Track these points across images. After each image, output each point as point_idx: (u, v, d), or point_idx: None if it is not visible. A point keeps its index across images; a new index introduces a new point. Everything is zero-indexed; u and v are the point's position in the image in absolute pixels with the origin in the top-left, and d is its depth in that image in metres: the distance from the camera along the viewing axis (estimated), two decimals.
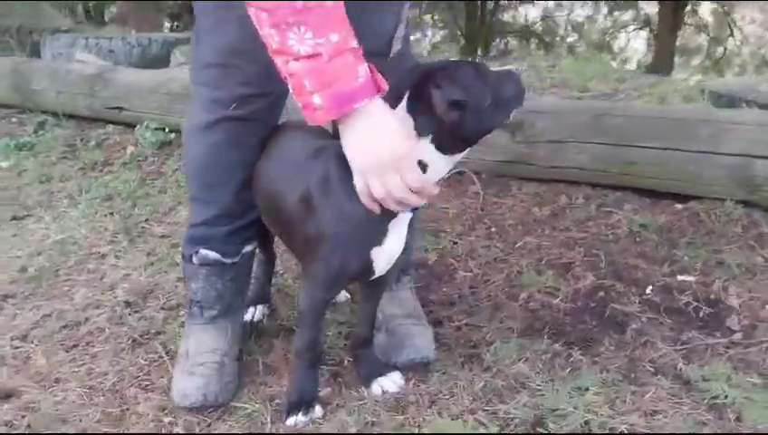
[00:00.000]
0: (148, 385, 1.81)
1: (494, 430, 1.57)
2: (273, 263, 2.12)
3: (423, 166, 1.43)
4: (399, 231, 1.56)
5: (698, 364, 1.79)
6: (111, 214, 2.92)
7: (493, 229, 2.58)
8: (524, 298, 2.16)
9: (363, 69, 1.37)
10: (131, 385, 1.81)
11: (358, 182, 1.46)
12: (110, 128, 3.93)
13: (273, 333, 2.00)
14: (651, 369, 1.80)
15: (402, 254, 1.63)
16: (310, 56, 1.32)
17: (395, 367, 1.77)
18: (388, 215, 1.49)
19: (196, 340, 1.80)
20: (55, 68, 4.06)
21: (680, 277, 2.23)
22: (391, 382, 1.73)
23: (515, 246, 2.46)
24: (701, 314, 2.05)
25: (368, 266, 1.57)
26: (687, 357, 1.85)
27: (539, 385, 1.73)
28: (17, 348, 1.99)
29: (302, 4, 1.29)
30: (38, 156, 3.62)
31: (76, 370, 1.89)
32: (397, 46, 1.73)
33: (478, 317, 2.06)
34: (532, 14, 18.11)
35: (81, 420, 1.68)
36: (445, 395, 1.72)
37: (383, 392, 1.71)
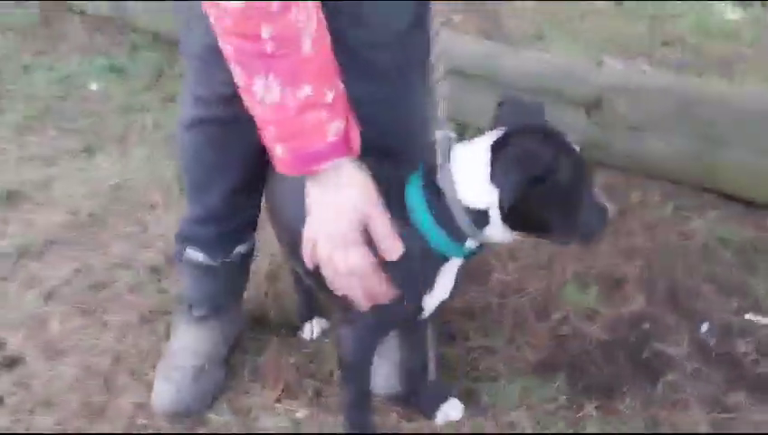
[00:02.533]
0: (139, 374, 1.73)
1: None
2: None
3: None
4: (450, 277, 1.33)
5: None
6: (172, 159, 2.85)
7: None
8: (556, 320, 1.87)
9: (336, 126, 1.14)
10: (125, 371, 1.74)
11: (305, 242, 1.23)
12: None
13: (274, 325, 1.87)
14: None
15: None
16: (275, 106, 1.11)
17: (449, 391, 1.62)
18: (439, 261, 1.27)
19: (181, 339, 1.69)
20: None
21: (747, 316, 1.85)
22: (457, 409, 1.59)
23: (565, 250, 2.13)
24: (759, 370, 1.69)
25: (418, 313, 1.36)
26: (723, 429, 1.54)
27: None
28: (39, 308, 1.98)
29: (272, 46, 1.05)
30: (127, 81, 3.57)
31: (82, 342, 1.85)
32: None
33: (495, 339, 1.81)
34: None
35: (62, 407, 1.65)
36: None
37: (448, 420, 1.57)
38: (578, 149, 1.20)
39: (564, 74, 2.42)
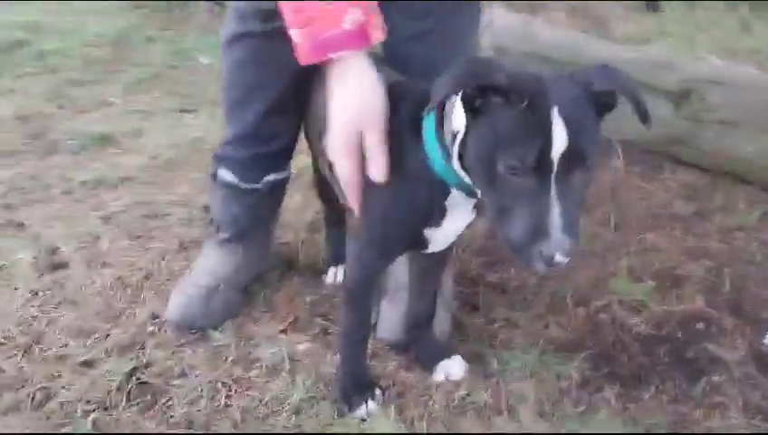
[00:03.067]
0: (163, 291, 1.75)
1: None
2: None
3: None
4: (463, 211, 1.26)
5: None
6: None
7: (613, 217, 2.09)
8: (597, 306, 1.71)
9: (354, 15, 1.13)
10: (151, 287, 1.78)
11: (330, 132, 1.21)
12: None
13: (302, 268, 1.84)
14: None
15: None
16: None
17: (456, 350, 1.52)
18: (443, 194, 1.21)
19: (203, 258, 1.71)
20: None
21: None
22: (458, 367, 1.48)
23: (627, 242, 1.96)
24: None
25: (419, 242, 1.30)
26: None
27: (531, 416, 1.35)
28: (97, 227, 2.07)
29: None
30: None
31: (122, 260, 1.91)
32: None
33: (524, 314, 1.68)
34: None
35: (86, 307, 1.70)
36: (417, 391, 1.43)
37: (448, 379, 1.46)
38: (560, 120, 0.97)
39: (655, 65, 2.25)
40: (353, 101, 1.15)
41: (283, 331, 1.61)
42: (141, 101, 3.17)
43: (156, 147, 2.69)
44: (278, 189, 1.72)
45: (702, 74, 2.13)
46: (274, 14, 1.45)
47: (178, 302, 1.61)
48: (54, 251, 1.94)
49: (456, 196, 1.21)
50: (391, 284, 1.63)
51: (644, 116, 1.04)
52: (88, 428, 1.34)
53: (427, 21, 1.47)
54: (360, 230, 1.30)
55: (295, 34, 1.17)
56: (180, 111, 3.07)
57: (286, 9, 1.16)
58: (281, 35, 1.47)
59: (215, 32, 4.11)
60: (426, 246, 1.31)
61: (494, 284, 1.80)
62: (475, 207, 1.25)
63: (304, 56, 1.17)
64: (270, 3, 1.44)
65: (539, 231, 0.95)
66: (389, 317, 1.56)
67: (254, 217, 1.70)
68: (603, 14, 3.52)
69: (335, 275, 1.79)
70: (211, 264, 1.68)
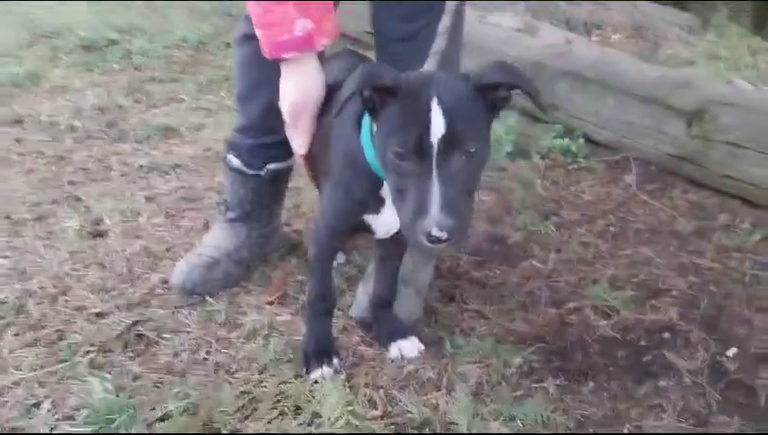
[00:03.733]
0: (178, 261, 1.98)
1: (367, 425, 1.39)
2: None
3: None
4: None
5: None
6: None
7: (612, 229, 2.14)
8: (569, 308, 1.79)
9: (303, 23, 1.36)
10: (172, 257, 2.00)
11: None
12: None
13: (299, 253, 2.01)
14: None
15: None
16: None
17: (415, 332, 1.65)
18: (377, 184, 1.36)
19: (211, 234, 1.91)
20: None
21: None
22: (412, 347, 1.61)
23: (619, 254, 2.01)
24: None
25: (360, 227, 1.46)
26: None
27: (465, 395, 1.45)
28: (140, 205, 2.33)
29: None
30: None
31: (154, 234, 2.15)
32: (439, 41, 1.50)
33: (494, 309, 1.77)
34: None
35: (110, 269, 1.94)
36: (371, 364, 1.57)
37: (401, 356, 1.59)
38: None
39: (675, 84, 2.28)
40: (294, 92, 1.41)
41: (270, 302, 1.79)
42: (209, 99, 3.46)
43: (211, 140, 2.95)
44: (280, 177, 1.90)
45: (718, 95, 2.14)
46: None
47: (182, 269, 1.81)
48: (99, 222, 2.21)
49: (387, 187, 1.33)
50: (368, 271, 1.78)
51: (539, 105, 1.17)
52: (84, 364, 1.56)
53: (414, 23, 1.61)
54: (318, 212, 1.47)
55: (259, 34, 1.40)
56: None
57: (254, 10, 1.37)
58: None
59: None
60: (372, 232, 1.45)
61: (476, 279, 1.90)
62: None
63: (265, 53, 1.41)
64: None
65: (420, 209, 1.08)
66: (360, 298, 1.70)
67: (257, 200, 1.89)
68: (660, 37, 3.50)
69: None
70: (216, 239, 1.89)
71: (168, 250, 2.05)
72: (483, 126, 1.16)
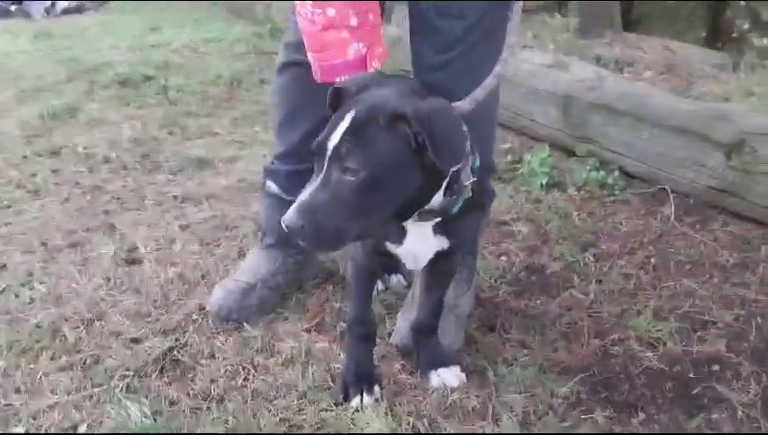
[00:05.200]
0: (213, 286, 1.96)
1: None
2: None
3: None
4: (421, 235, 1.39)
5: None
6: None
7: (653, 260, 2.07)
8: (613, 339, 1.72)
9: (356, 48, 1.37)
10: (207, 284, 1.97)
11: None
12: None
13: (340, 280, 1.97)
14: None
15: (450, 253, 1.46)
16: (308, 20, 1.38)
17: (457, 361, 1.60)
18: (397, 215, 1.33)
19: (247, 260, 1.89)
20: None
21: None
22: (453, 376, 1.56)
23: (661, 286, 1.95)
24: None
25: (385, 254, 1.45)
26: None
27: (513, 424, 1.40)
28: (174, 233, 2.32)
29: None
30: None
31: (189, 260, 2.13)
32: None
33: (536, 339, 1.72)
34: None
35: (145, 295, 1.92)
36: (414, 392, 1.52)
37: (443, 385, 1.54)
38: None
39: (711, 117, 2.24)
40: None
41: (307, 330, 1.75)
42: (243, 133, 3.47)
43: (245, 172, 2.95)
44: None
45: (756, 127, 2.10)
46: None
47: (218, 295, 1.79)
48: (133, 249, 2.20)
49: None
50: (408, 297, 1.74)
51: (435, 158, 1.15)
52: (121, 389, 1.53)
53: (449, 53, 1.60)
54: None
55: (311, 57, 1.39)
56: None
57: (306, 36, 1.37)
58: None
59: None
60: (398, 261, 1.45)
61: (516, 309, 1.85)
62: (439, 232, 1.37)
63: (317, 77, 1.40)
64: None
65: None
66: (401, 325, 1.66)
67: None
68: (693, 75, 3.49)
69: (386, 281, 1.94)
70: (253, 265, 1.86)
71: (203, 277, 2.03)
72: (382, 153, 1.16)
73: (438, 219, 1.33)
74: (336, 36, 1.34)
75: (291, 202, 1.79)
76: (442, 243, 1.38)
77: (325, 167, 1.18)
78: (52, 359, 1.66)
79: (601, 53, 3.60)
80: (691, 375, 1.60)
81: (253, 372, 1.60)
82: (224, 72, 4.32)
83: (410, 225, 1.34)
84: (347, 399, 1.48)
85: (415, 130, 1.15)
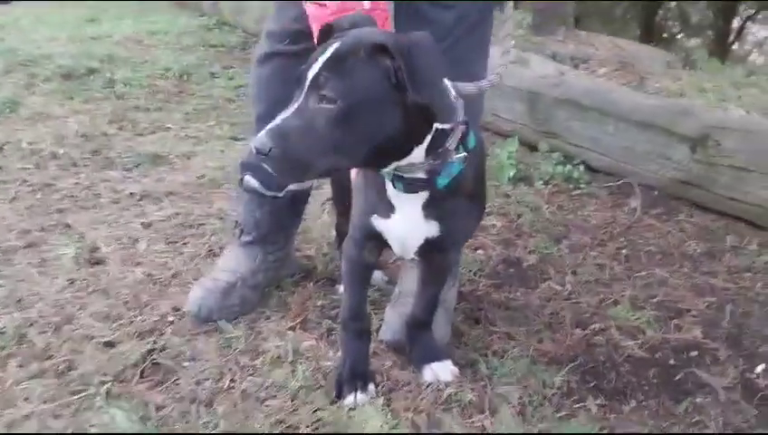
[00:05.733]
0: (188, 288, 1.87)
1: None
2: None
3: None
4: (409, 214, 1.36)
5: None
6: None
7: (624, 252, 2.14)
8: (595, 329, 1.76)
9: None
10: (178, 284, 1.92)
11: None
12: None
13: (319, 278, 1.95)
14: None
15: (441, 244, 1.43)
16: (318, 4, 1.36)
17: (448, 355, 1.60)
18: (382, 184, 1.35)
19: (225, 258, 1.84)
20: None
21: None
22: (447, 370, 1.55)
23: (634, 275, 2.01)
24: None
25: (372, 233, 1.42)
26: None
27: (511, 416, 1.41)
28: (136, 232, 2.24)
29: None
30: None
31: (155, 260, 2.06)
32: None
33: (521, 330, 1.74)
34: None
35: (115, 297, 1.84)
36: (407, 387, 1.51)
37: (436, 379, 1.53)
38: None
39: (675, 112, 2.32)
40: None
41: (292, 328, 1.72)
42: (196, 128, 3.39)
43: (203, 168, 2.88)
44: (299, 200, 1.86)
45: (719, 121, 2.20)
46: (303, 36, 1.63)
47: (197, 295, 1.73)
48: (95, 249, 2.11)
49: (393, 189, 1.32)
50: (396, 292, 1.73)
51: (409, 84, 1.12)
52: (101, 395, 1.46)
53: (440, 44, 1.60)
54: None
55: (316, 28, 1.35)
56: (231, 139, 3.27)
57: (312, 21, 1.34)
58: (306, 56, 1.65)
59: None
60: (384, 241, 1.42)
61: (498, 302, 1.87)
62: (429, 217, 1.34)
63: None
64: (299, 25, 1.62)
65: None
66: (390, 320, 1.65)
67: (275, 223, 1.83)
68: (644, 70, 3.60)
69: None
70: (232, 263, 1.81)
71: (173, 277, 1.97)
72: (359, 84, 1.15)
73: (426, 195, 1.31)
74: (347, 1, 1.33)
75: (273, 198, 1.79)
76: (431, 228, 1.35)
77: (303, 95, 1.17)
78: (21, 366, 1.57)
79: (557, 49, 3.68)
80: (672, 362, 1.65)
81: (239, 373, 1.56)
82: (172, 65, 4.21)
83: (398, 199, 1.33)
84: (340, 397, 1.46)
85: (396, 65, 1.12)
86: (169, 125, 3.39)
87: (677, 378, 1.59)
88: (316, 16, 1.35)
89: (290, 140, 1.14)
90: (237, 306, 1.75)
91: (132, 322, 1.74)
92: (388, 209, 1.36)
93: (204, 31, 5.07)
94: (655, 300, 1.89)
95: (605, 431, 1.40)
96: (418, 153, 1.23)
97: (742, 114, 2.53)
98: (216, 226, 2.29)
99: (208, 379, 1.54)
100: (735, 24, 12.70)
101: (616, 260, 2.09)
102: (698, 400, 1.51)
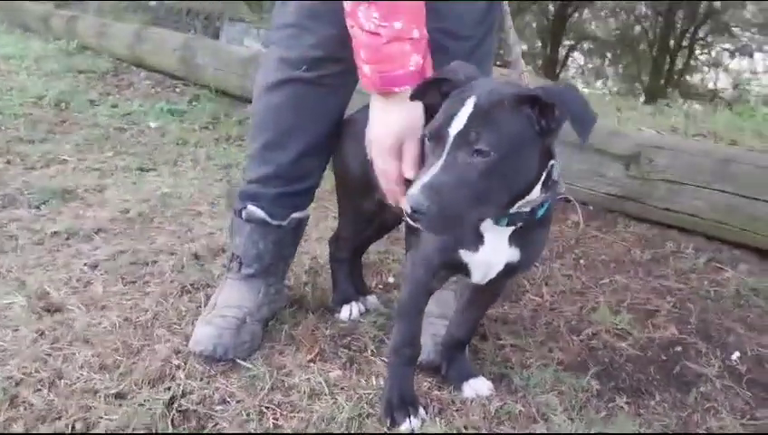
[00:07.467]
0: (177, 329, 1.80)
1: None
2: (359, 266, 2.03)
3: None
4: (497, 244, 1.41)
5: None
6: (221, 180, 3.02)
7: (581, 262, 2.35)
8: (588, 334, 1.92)
9: (416, 59, 1.40)
10: (163, 326, 1.81)
11: (366, 141, 1.56)
12: None
13: (313, 307, 1.94)
14: None
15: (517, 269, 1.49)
16: (371, 32, 1.38)
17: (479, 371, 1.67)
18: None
19: (226, 293, 1.78)
20: (218, 47, 4.33)
21: None
22: (484, 386, 1.61)
23: (599, 282, 2.21)
24: None
25: (457, 264, 1.46)
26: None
27: (563, 421, 1.51)
28: (84, 274, 2.08)
29: None
30: (184, 122, 3.84)
31: (123, 303, 1.92)
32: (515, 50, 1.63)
33: (527, 341, 1.85)
34: (722, 82, 16.92)
35: (101, 345, 1.71)
36: (455, 406, 1.56)
37: (476, 395, 1.59)
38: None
39: (608, 133, 2.60)
40: (402, 119, 1.43)
41: (311, 360, 1.70)
42: (95, 159, 3.18)
43: (122, 202, 2.72)
44: (300, 227, 1.84)
45: (648, 141, 2.49)
46: (321, 63, 1.65)
47: (208, 333, 1.66)
48: (44, 296, 1.92)
49: (491, 223, 1.37)
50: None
51: (579, 132, 1.21)
52: None
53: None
54: (414, 249, 1.47)
55: (366, 69, 1.40)
56: (139, 170, 3.10)
57: (360, 48, 1.39)
58: (322, 84, 1.67)
59: (160, 98, 4.23)
60: (468, 273, 1.47)
61: (494, 316, 1.97)
62: (513, 244, 1.41)
63: (372, 86, 1.43)
64: (317, 52, 1.63)
65: (415, 184, 1.20)
66: (424, 342, 1.67)
67: (277, 253, 1.80)
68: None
69: (350, 311, 1.90)
70: (235, 298, 1.75)
71: (155, 318, 1.85)
72: (511, 135, 1.21)
73: (519, 225, 1.38)
74: (399, 48, 1.36)
75: (277, 227, 1.77)
76: (514, 255, 1.43)
77: (446, 151, 1.19)
78: (27, 430, 1.41)
79: None
80: (664, 358, 1.85)
81: (279, 410, 1.52)
82: (43, 92, 3.92)
83: (488, 232, 1.39)
84: (394, 424, 1.47)
85: (548, 115, 1.21)
86: (64, 157, 3.15)
87: (675, 372, 1.78)
88: (369, 45, 1.38)
89: (444, 196, 1.17)
90: (248, 343, 1.70)
91: (133, 370, 1.62)
92: (476, 242, 1.40)
93: (65, 56, 4.73)
94: (625, 304, 2.09)
95: (644, 428, 1.54)
96: (537, 189, 1.32)
97: (669, 134, 2.87)
98: (172, 262, 2.18)
99: (251, 420, 1.48)
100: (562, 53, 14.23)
101: (578, 270, 2.28)
102: (702, 389, 1.71)
